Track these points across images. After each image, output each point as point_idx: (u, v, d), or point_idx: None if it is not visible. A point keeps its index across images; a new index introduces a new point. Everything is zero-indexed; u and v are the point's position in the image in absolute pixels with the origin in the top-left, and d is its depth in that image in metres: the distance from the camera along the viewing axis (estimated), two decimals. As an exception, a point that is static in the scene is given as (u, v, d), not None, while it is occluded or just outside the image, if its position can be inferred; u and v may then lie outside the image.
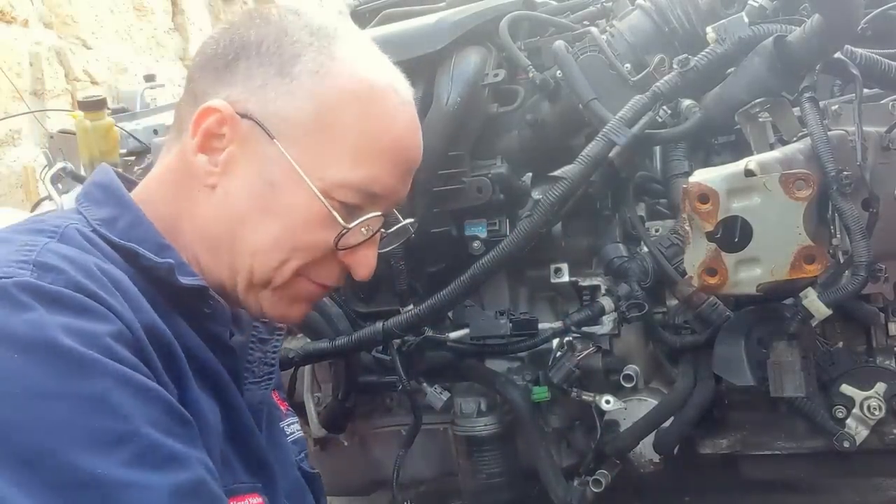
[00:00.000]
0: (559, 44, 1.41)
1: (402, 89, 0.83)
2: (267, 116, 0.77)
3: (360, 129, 0.78)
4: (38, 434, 0.58)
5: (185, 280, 0.75)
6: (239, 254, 0.79)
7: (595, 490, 1.44)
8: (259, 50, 0.78)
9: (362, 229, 0.80)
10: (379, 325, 1.45)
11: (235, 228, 0.78)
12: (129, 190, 0.82)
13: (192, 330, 0.76)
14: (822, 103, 1.19)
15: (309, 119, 0.77)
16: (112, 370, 0.62)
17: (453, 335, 1.52)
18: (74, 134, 2.00)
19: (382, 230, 0.84)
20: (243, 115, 0.77)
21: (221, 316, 0.80)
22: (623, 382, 1.48)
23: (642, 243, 1.45)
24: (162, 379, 0.67)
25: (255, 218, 0.78)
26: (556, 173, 1.30)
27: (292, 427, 1.00)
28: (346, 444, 1.72)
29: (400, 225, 0.88)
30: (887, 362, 1.36)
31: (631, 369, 1.48)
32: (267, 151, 0.77)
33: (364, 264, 0.82)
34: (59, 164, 1.96)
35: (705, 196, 1.05)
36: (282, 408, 1.00)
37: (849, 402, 1.31)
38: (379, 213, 0.81)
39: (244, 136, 0.77)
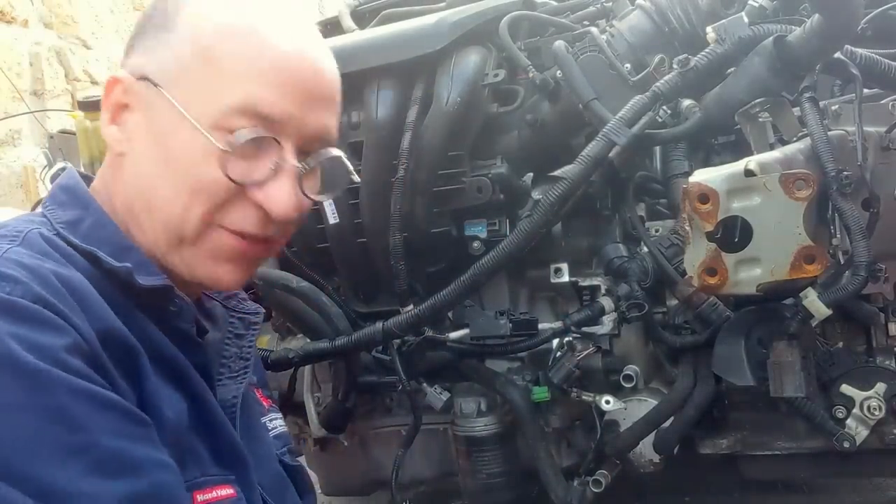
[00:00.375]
0: (559, 44, 1.41)
1: (289, 18, 0.80)
2: (155, 72, 0.77)
3: (237, 54, 0.76)
4: None
5: (144, 281, 0.75)
6: (152, 214, 0.78)
7: (595, 490, 1.44)
8: (153, 18, 0.80)
9: (269, 164, 0.76)
10: (379, 325, 1.45)
11: (145, 190, 0.78)
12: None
13: (158, 328, 0.76)
14: (822, 103, 1.19)
15: (188, 60, 0.76)
16: (67, 383, 0.62)
17: (453, 335, 1.52)
18: (74, 134, 1.99)
19: (301, 165, 0.79)
20: (140, 78, 0.78)
21: (187, 313, 0.80)
22: (623, 382, 1.48)
23: (642, 243, 1.45)
24: (118, 385, 0.67)
25: (157, 172, 0.77)
26: (556, 173, 1.30)
27: (275, 422, 1.00)
28: (346, 444, 1.72)
29: (326, 157, 0.82)
30: (887, 362, 1.36)
31: (631, 369, 1.48)
32: (158, 104, 0.77)
33: (277, 199, 0.77)
34: (59, 164, 1.96)
35: (705, 196, 1.05)
36: (264, 403, 1.00)
37: (849, 402, 1.31)
38: (268, 135, 0.76)
39: (143, 98, 0.78)
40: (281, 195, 0.77)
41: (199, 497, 0.74)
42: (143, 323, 0.75)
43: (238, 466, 0.81)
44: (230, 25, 0.77)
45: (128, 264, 0.74)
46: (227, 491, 0.78)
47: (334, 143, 0.84)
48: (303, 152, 0.80)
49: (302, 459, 1.26)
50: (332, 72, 0.83)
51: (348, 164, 0.86)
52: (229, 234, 0.78)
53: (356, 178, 0.88)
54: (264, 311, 1.01)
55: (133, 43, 0.81)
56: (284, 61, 0.77)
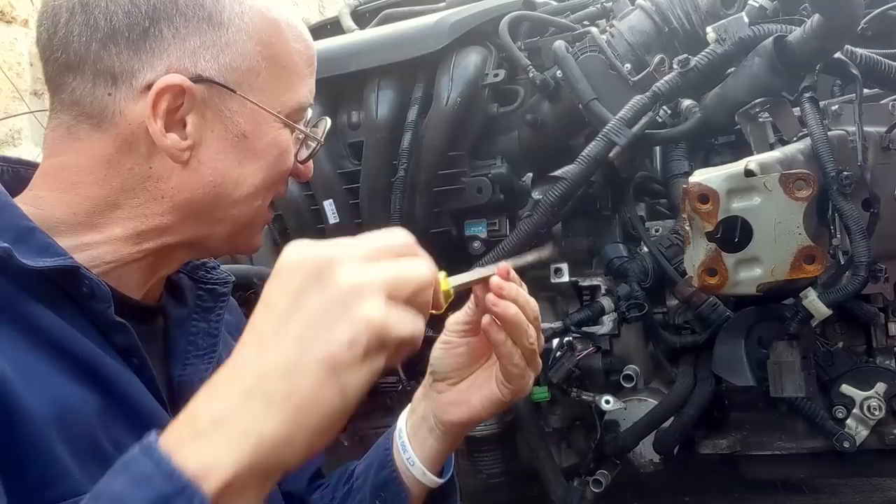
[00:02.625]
0: (559, 44, 1.41)
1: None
2: (221, 72, 0.76)
3: (289, 50, 0.80)
4: None
5: (31, 262, 0.69)
6: (224, 210, 0.80)
7: (595, 490, 1.44)
8: (178, 9, 0.75)
9: (309, 142, 0.85)
10: (379, 325, 1.45)
11: (217, 191, 0.79)
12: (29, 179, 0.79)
13: (60, 315, 0.70)
14: (822, 103, 1.19)
15: (255, 60, 0.78)
16: None
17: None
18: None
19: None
20: (196, 80, 0.75)
21: (101, 293, 0.73)
22: (623, 382, 1.47)
23: (642, 243, 1.45)
24: None
25: (237, 171, 0.79)
26: (556, 173, 1.30)
27: None
28: (346, 443, 1.72)
29: (318, 119, 0.89)
30: (887, 362, 1.36)
31: (631, 369, 1.48)
32: (230, 106, 0.77)
33: (309, 166, 0.87)
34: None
35: (705, 196, 1.05)
36: None
37: (849, 402, 1.31)
38: (326, 118, 0.87)
39: (202, 100, 0.76)
40: (310, 163, 0.87)
41: None
42: (33, 313, 0.69)
43: None
44: (272, 21, 0.79)
45: (5, 244, 0.68)
46: None
47: None
48: None
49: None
50: None
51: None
52: (270, 207, 0.85)
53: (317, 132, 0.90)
54: (234, 279, 0.98)
55: (144, 38, 0.75)
56: (312, 48, 0.83)
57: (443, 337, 0.90)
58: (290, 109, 0.81)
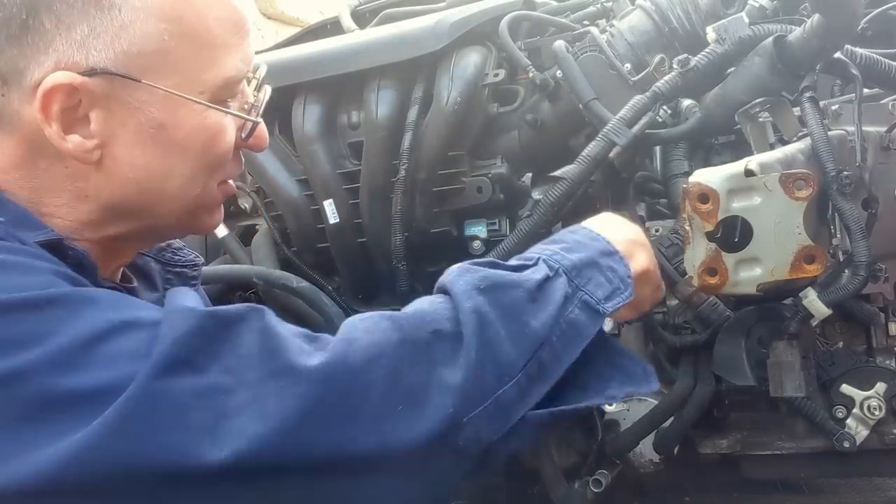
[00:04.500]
0: (559, 44, 1.41)
1: None
2: (119, 61, 0.69)
3: (205, 20, 0.72)
4: None
5: (35, 238, 0.68)
6: (164, 204, 0.76)
7: (595, 490, 1.44)
8: (64, 3, 0.67)
9: (254, 114, 0.79)
10: (379, 325, 1.45)
11: (144, 187, 0.73)
12: None
13: None
14: (822, 103, 1.19)
15: (162, 39, 0.69)
16: None
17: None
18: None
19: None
20: (91, 74, 0.68)
21: (88, 262, 0.72)
22: (623, 382, 1.47)
23: (642, 243, 1.44)
24: None
25: (162, 165, 0.73)
26: (556, 173, 1.30)
27: None
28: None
29: (261, 77, 0.81)
30: (887, 362, 1.36)
31: (631, 369, 1.48)
32: (138, 96, 0.70)
33: (262, 137, 0.81)
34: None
35: (705, 196, 1.04)
36: None
37: (849, 402, 1.31)
38: (267, 87, 0.80)
39: (104, 94, 0.69)
40: (262, 132, 0.81)
41: None
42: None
43: None
44: None
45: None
46: None
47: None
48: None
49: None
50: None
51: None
52: (223, 185, 0.81)
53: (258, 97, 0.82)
54: (202, 260, 0.96)
55: (24, 32, 0.67)
56: (237, 11, 0.76)
57: None
58: (217, 87, 0.73)
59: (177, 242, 0.93)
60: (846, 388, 1.31)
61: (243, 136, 0.78)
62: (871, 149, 1.18)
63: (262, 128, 0.81)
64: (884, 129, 1.21)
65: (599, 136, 1.26)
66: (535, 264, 0.79)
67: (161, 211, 0.77)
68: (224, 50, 0.74)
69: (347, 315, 1.55)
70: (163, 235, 0.84)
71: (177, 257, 0.92)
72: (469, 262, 0.78)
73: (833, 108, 1.23)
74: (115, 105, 0.70)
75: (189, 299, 0.66)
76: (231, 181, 0.82)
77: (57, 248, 0.70)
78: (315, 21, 2.18)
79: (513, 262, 0.80)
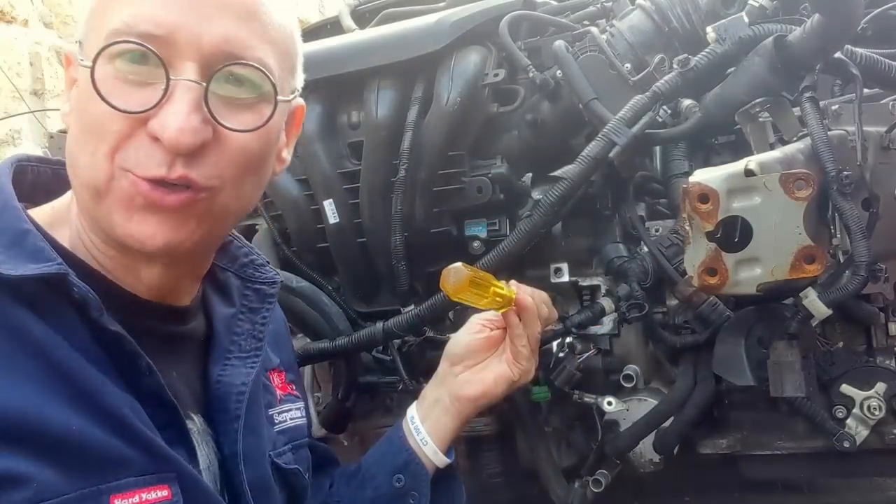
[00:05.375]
0: (559, 44, 1.41)
1: None
2: (83, 31, 0.75)
3: None
4: None
5: (14, 271, 0.66)
6: (76, 180, 0.73)
7: (595, 490, 1.44)
8: None
9: (161, 87, 0.69)
10: (379, 325, 1.45)
11: (71, 159, 0.74)
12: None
13: (48, 322, 0.67)
14: (822, 103, 1.19)
15: (89, 12, 0.75)
16: None
17: (454, 335, 1.51)
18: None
19: (198, 82, 0.70)
20: (75, 44, 0.76)
21: (91, 300, 0.69)
22: (623, 382, 1.47)
23: (642, 243, 1.45)
24: None
25: (77, 135, 0.73)
26: (556, 173, 1.30)
27: (285, 414, 0.93)
28: (346, 443, 1.72)
29: (234, 72, 0.71)
30: (887, 362, 1.36)
31: (631, 369, 1.48)
32: (79, 68, 0.74)
33: (166, 123, 0.67)
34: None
35: (705, 196, 1.05)
36: (277, 391, 0.94)
37: (849, 402, 1.31)
38: (142, 47, 0.68)
39: (76, 68, 0.75)
40: (172, 117, 0.68)
41: (118, 502, 0.67)
42: (16, 316, 0.66)
43: (171, 467, 0.72)
44: None
45: None
46: (160, 492, 0.69)
47: (251, 56, 0.72)
48: (210, 71, 0.70)
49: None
50: None
51: (268, 74, 0.73)
52: (136, 179, 0.69)
53: (283, 97, 0.75)
54: (281, 279, 0.94)
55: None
56: None
57: (468, 325, 1.11)
58: (103, 42, 0.70)
59: (259, 258, 0.92)
60: (846, 388, 1.31)
61: (117, 103, 0.68)
62: (872, 149, 1.18)
63: (172, 114, 0.68)
64: (884, 129, 1.21)
65: (599, 135, 1.26)
66: None
67: (79, 194, 0.74)
68: (118, 6, 0.70)
69: (347, 315, 1.56)
70: (116, 238, 0.73)
71: (258, 273, 0.90)
72: None
73: (833, 108, 1.23)
74: (77, 73, 0.75)
75: None
76: (147, 181, 0.70)
77: (59, 282, 0.68)
78: (315, 21, 2.18)
79: None
